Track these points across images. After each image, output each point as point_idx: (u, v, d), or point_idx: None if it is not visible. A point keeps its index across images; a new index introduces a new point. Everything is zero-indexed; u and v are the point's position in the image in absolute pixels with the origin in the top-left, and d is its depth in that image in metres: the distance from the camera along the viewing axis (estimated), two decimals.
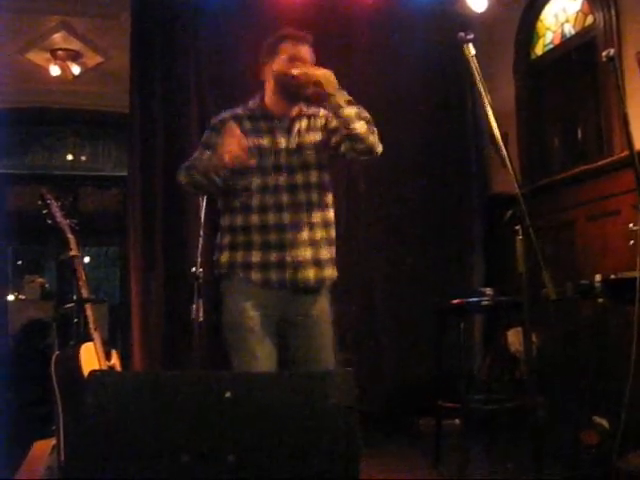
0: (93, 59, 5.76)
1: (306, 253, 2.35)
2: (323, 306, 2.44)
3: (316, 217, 2.39)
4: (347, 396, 1.38)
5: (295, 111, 2.43)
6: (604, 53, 2.40)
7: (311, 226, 2.38)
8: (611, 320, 3.27)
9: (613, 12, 3.62)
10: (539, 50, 4.38)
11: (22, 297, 6.91)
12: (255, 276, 2.35)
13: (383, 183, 4.42)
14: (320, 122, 2.45)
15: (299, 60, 2.36)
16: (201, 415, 1.38)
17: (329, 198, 2.46)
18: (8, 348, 5.85)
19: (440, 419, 3.44)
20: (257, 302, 2.35)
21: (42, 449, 2.94)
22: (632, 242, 2.56)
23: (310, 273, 2.36)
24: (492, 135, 2.06)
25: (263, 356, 2.32)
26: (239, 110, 2.47)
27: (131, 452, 1.36)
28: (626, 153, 2.87)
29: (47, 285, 7.04)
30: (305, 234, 2.36)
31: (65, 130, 7.10)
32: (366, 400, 3.96)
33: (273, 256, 2.34)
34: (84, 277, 2.98)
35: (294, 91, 2.35)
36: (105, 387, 1.42)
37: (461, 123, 4.65)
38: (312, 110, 2.46)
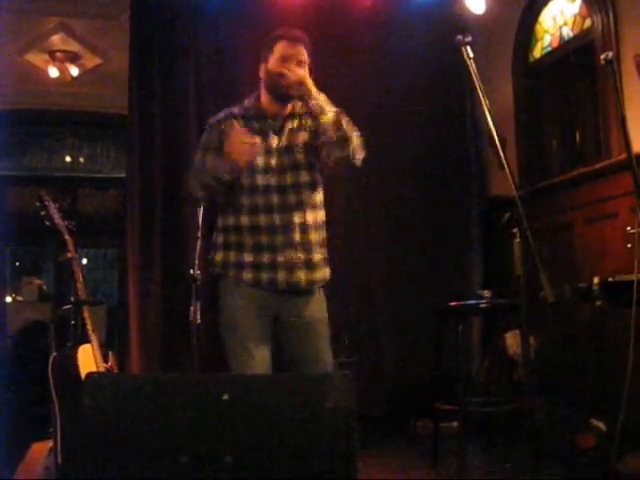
0: (92, 60, 5.76)
1: (298, 255, 2.36)
2: (317, 307, 2.44)
3: (307, 218, 2.39)
4: (346, 398, 1.38)
5: (288, 110, 2.44)
6: (602, 56, 2.41)
7: (302, 227, 2.38)
8: (609, 323, 3.26)
9: (611, 15, 3.63)
10: (537, 53, 4.39)
11: (20, 298, 6.91)
12: (246, 276, 2.36)
13: (383, 184, 4.43)
14: (309, 122, 2.44)
15: (293, 60, 2.36)
16: (199, 417, 1.38)
17: (320, 198, 2.46)
18: (6, 349, 5.85)
19: (438, 422, 3.44)
20: (250, 302, 2.36)
21: (40, 451, 2.93)
22: (630, 245, 2.56)
23: (301, 275, 2.36)
24: (490, 137, 2.06)
25: (259, 355, 2.33)
26: (235, 109, 2.48)
27: (128, 454, 1.36)
28: (624, 156, 2.88)
29: (45, 287, 7.03)
30: (296, 235, 2.36)
31: (64, 131, 7.10)
32: (365, 401, 3.96)
33: (265, 257, 2.35)
34: (82, 279, 2.98)
35: (283, 91, 2.37)
36: (102, 389, 1.42)
37: (460, 125, 4.66)
38: (304, 109, 2.45)
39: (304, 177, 2.41)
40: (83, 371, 2.72)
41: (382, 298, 4.40)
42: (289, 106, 2.43)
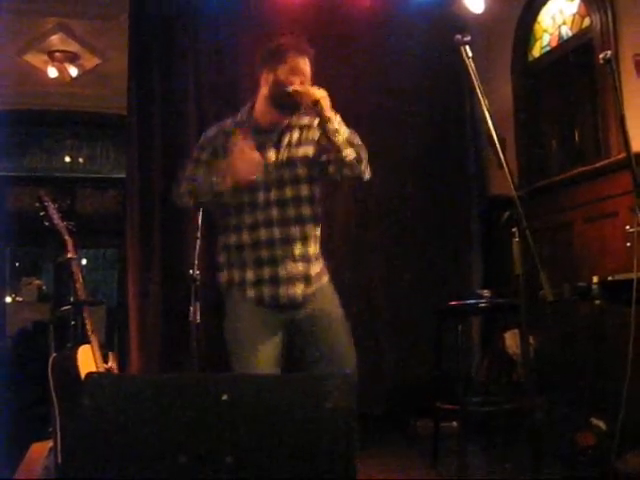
0: (91, 61, 5.76)
1: (298, 268, 2.35)
2: (324, 300, 2.43)
3: (307, 231, 2.38)
4: (346, 398, 1.38)
5: (285, 122, 2.39)
6: (601, 55, 2.40)
7: (302, 241, 2.37)
8: (608, 322, 3.27)
9: (610, 14, 3.63)
10: (536, 52, 4.39)
11: (19, 299, 6.91)
12: (249, 294, 2.36)
13: (382, 184, 4.42)
14: (313, 134, 2.40)
15: (299, 73, 2.33)
16: (198, 417, 1.38)
17: (319, 212, 2.45)
18: (6, 349, 5.85)
19: (438, 421, 3.44)
20: (256, 316, 2.36)
21: (39, 451, 2.94)
22: (629, 244, 2.56)
23: (298, 289, 2.36)
24: (490, 137, 2.06)
25: (263, 358, 2.32)
26: (228, 124, 2.44)
27: (128, 454, 1.36)
28: (623, 155, 2.88)
29: (44, 287, 7.04)
30: (296, 249, 2.35)
31: (63, 132, 7.10)
32: (365, 400, 3.96)
33: (266, 272, 2.35)
34: (81, 279, 2.98)
35: (288, 106, 2.32)
36: (102, 389, 1.42)
37: (459, 125, 4.66)
38: (305, 121, 2.42)
39: (304, 191, 2.38)
40: (83, 371, 2.72)
41: (382, 298, 4.40)
42: (287, 118, 2.38)
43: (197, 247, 3.01)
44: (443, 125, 4.61)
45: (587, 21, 3.89)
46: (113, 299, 6.90)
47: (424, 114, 4.53)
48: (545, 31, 4.31)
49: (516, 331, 3.63)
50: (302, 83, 2.32)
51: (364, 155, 2.29)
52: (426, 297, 4.16)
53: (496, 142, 2.03)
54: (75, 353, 2.79)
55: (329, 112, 2.26)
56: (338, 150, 2.24)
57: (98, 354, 2.84)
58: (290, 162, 2.37)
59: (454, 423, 3.53)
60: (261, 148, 2.34)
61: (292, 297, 2.35)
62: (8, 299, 6.88)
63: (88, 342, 2.84)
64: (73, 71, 5.67)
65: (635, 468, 2.65)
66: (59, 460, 2.64)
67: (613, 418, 2.60)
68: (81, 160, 7.24)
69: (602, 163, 3.62)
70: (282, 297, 2.35)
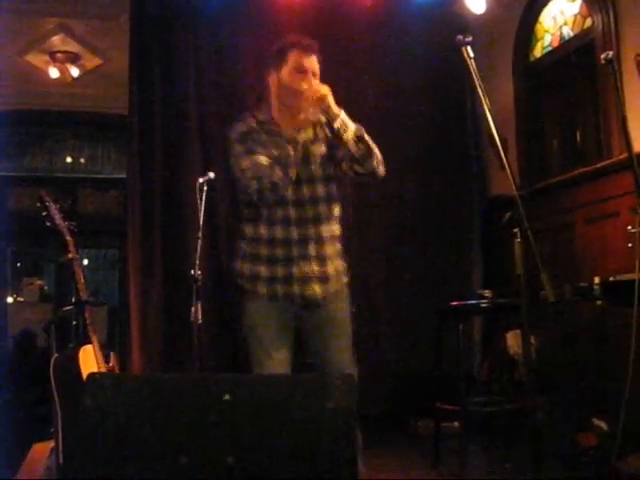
0: (92, 61, 5.77)
1: (312, 268, 2.36)
2: (337, 308, 2.45)
3: (324, 231, 2.38)
4: (347, 398, 1.38)
5: (298, 121, 2.38)
6: (603, 55, 2.40)
7: (318, 240, 2.37)
8: (610, 322, 3.27)
9: (611, 14, 3.63)
10: (538, 52, 4.38)
11: (21, 299, 6.92)
12: (262, 289, 2.37)
13: (383, 184, 4.40)
14: (323, 132, 2.41)
15: (306, 71, 2.33)
16: (200, 417, 1.38)
17: (337, 211, 2.45)
18: (7, 349, 5.85)
19: (439, 422, 3.44)
20: (270, 312, 2.37)
21: (41, 451, 2.94)
22: (630, 244, 2.56)
23: (316, 288, 2.36)
24: (491, 137, 2.06)
25: (277, 357, 2.35)
26: (252, 122, 2.41)
27: (129, 454, 1.36)
28: (625, 155, 2.87)
29: (46, 287, 7.04)
30: (312, 248, 2.36)
31: (64, 132, 7.11)
32: (365, 400, 3.96)
33: (280, 270, 2.35)
34: (83, 279, 2.98)
35: (298, 105, 2.32)
36: (104, 389, 1.42)
37: (460, 125, 4.66)
38: (317, 118, 2.40)
39: (320, 190, 2.39)
40: (84, 372, 2.72)
41: (382, 298, 4.40)
42: (302, 116, 2.37)
43: (198, 247, 3.01)
44: (444, 125, 4.60)
45: (589, 21, 3.89)
46: (114, 299, 6.91)
47: (425, 114, 4.53)
48: (546, 31, 4.30)
49: (517, 331, 3.63)
50: (307, 81, 2.32)
51: (375, 151, 2.29)
52: (426, 297, 4.16)
53: (497, 142, 2.03)
54: (77, 353, 2.79)
55: (334, 108, 2.26)
56: (346, 146, 2.25)
57: (99, 354, 2.84)
58: (306, 161, 2.37)
59: (455, 423, 3.53)
60: (280, 146, 2.34)
61: (309, 296, 2.36)
62: (10, 299, 6.89)
63: (90, 342, 2.84)
64: (74, 71, 5.68)
65: (637, 469, 2.64)
66: (60, 460, 2.64)
67: (615, 419, 2.60)
68: (82, 160, 7.25)
69: (603, 164, 3.62)
70: (296, 296, 2.36)
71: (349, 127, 2.26)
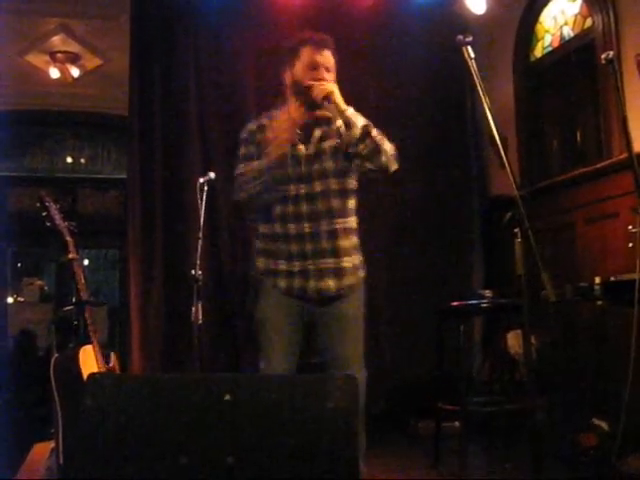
0: (92, 61, 5.77)
1: (327, 262, 2.38)
2: (350, 306, 2.46)
3: (337, 225, 2.40)
4: (348, 398, 1.38)
5: (312, 117, 2.40)
6: (603, 55, 2.41)
7: (332, 234, 2.39)
8: (610, 322, 3.26)
9: (612, 15, 3.63)
10: (538, 52, 4.39)
11: (21, 299, 6.92)
12: (281, 284, 2.41)
13: (383, 184, 4.42)
14: (335, 127, 2.42)
15: (319, 67, 2.35)
16: (200, 417, 1.38)
17: (351, 205, 2.47)
18: (7, 350, 5.86)
19: (439, 422, 3.44)
20: (282, 306, 2.41)
21: (41, 451, 2.94)
22: (631, 244, 2.56)
23: (330, 282, 2.39)
24: (491, 137, 2.06)
25: (283, 352, 2.38)
26: (264, 120, 2.46)
27: (130, 454, 1.36)
28: (625, 155, 2.87)
29: (46, 287, 7.04)
30: (325, 243, 2.38)
31: (65, 132, 7.11)
32: (366, 400, 3.95)
33: (296, 265, 2.38)
34: (83, 279, 2.98)
35: (309, 101, 2.34)
36: (104, 389, 1.42)
37: (461, 125, 4.66)
38: (330, 114, 2.42)
39: (333, 185, 2.40)
40: (85, 372, 2.72)
41: (382, 298, 4.39)
42: (317, 112, 2.39)
43: (199, 247, 3.01)
44: (444, 125, 4.60)
45: (589, 21, 3.88)
46: (115, 299, 6.91)
47: (425, 114, 4.53)
48: (547, 31, 4.30)
49: (518, 331, 3.63)
50: (320, 78, 2.33)
51: (386, 147, 2.30)
52: (427, 297, 4.15)
53: (498, 142, 2.03)
54: (77, 353, 2.79)
55: (341, 105, 2.28)
56: (355, 142, 2.26)
57: (100, 354, 2.84)
58: (318, 156, 2.40)
59: (455, 423, 3.53)
60: (293, 144, 2.38)
61: (323, 290, 2.39)
62: (10, 299, 6.88)
63: (90, 342, 2.84)
64: (75, 71, 5.67)
65: (637, 469, 2.64)
66: (61, 461, 2.64)
67: (615, 419, 2.60)
68: (83, 160, 7.25)
69: (604, 164, 3.62)
70: (311, 290, 2.38)
71: (356, 124, 2.27)
